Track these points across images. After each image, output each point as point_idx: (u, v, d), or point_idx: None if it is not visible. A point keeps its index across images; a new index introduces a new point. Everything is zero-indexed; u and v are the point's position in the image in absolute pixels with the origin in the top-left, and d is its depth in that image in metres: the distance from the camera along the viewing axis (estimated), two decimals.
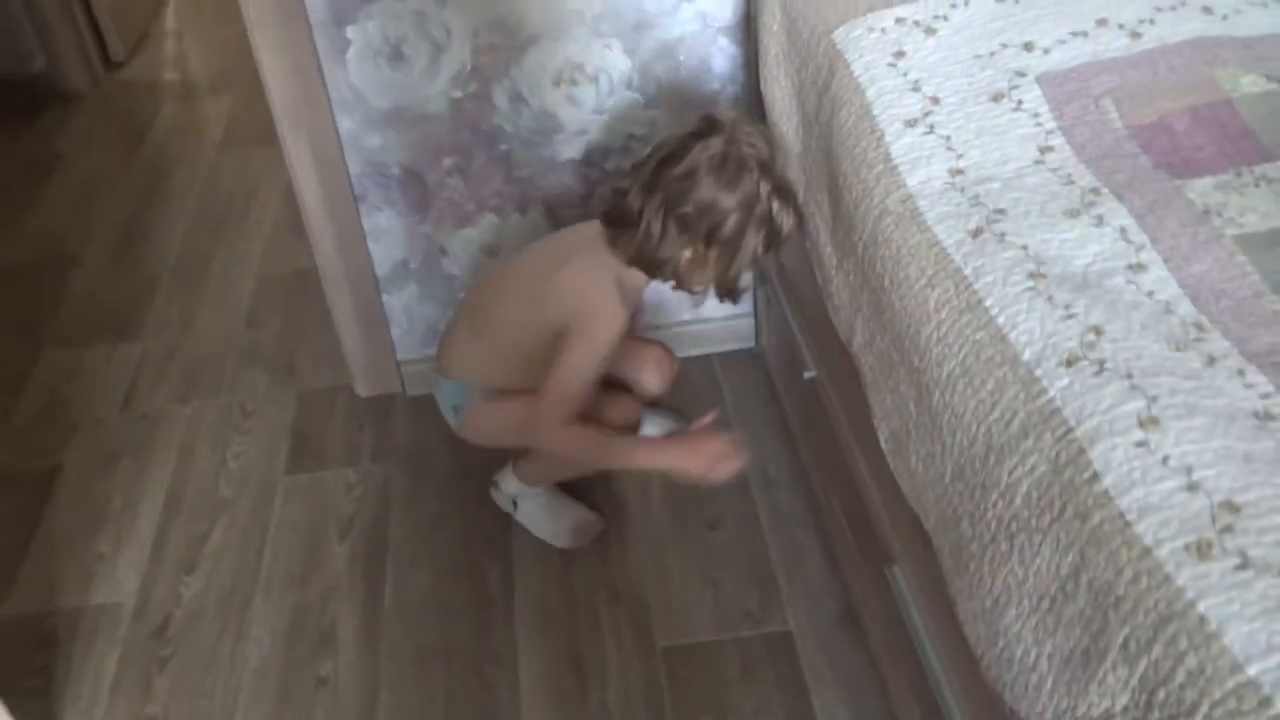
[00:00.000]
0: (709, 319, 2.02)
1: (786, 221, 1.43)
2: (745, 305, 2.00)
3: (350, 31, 1.66)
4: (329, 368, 2.08)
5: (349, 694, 1.53)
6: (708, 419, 1.49)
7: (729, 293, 1.53)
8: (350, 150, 1.78)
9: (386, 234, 1.87)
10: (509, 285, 1.60)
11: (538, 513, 1.73)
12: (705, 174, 1.39)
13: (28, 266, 2.49)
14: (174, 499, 1.85)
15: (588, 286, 1.49)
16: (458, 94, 1.73)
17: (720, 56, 1.75)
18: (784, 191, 1.43)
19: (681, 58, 1.74)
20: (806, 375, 1.59)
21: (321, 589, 1.68)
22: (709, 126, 1.43)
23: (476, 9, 1.65)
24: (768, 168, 1.42)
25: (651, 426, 1.85)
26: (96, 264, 2.48)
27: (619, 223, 1.48)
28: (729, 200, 1.39)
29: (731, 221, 1.40)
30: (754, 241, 1.43)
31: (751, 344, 2.04)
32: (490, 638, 1.58)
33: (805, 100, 1.44)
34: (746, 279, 1.53)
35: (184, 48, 3.62)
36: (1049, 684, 0.88)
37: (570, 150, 1.81)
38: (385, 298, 1.94)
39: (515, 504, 1.74)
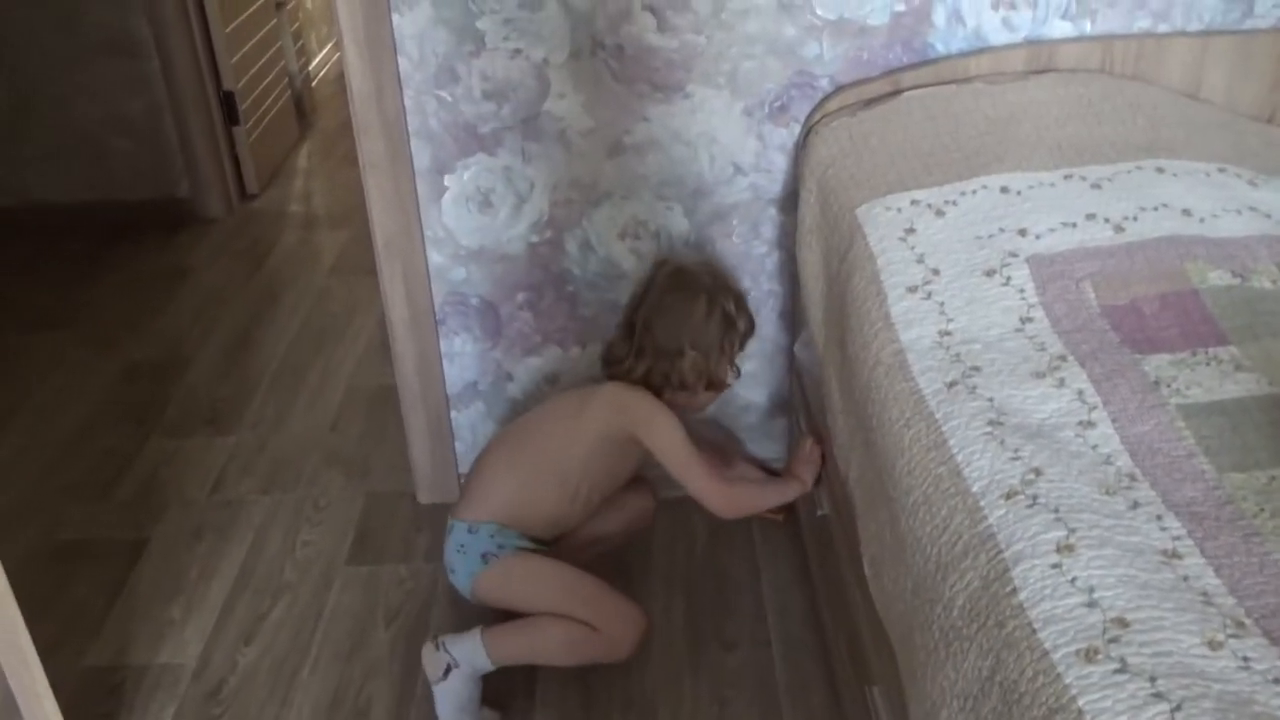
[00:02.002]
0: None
1: (743, 320, 1.78)
2: (778, 450, 2.16)
3: (448, 180, 1.92)
4: (397, 474, 2.28)
5: None
6: (809, 446, 1.78)
7: (717, 386, 1.80)
8: (436, 281, 2.01)
9: (460, 357, 2.09)
10: (542, 423, 1.79)
11: (461, 692, 1.66)
12: (669, 295, 1.74)
13: (150, 363, 2.78)
14: (244, 577, 2.04)
15: (628, 397, 1.75)
16: (534, 239, 1.97)
17: (768, 224, 1.96)
18: (734, 295, 1.78)
19: (735, 222, 1.96)
20: (819, 512, 1.73)
21: (363, 668, 1.83)
22: (662, 262, 1.82)
23: (557, 168, 1.90)
24: (714, 276, 1.79)
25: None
26: (208, 365, 2.76)
27: (616, 360, 1.78)
28: (695, 307, 1.73)
29: (704, 324, 1.73)
30: (723, 337, 1.75)
31: None
32: None
33: (830, 264, 1.63)
34: (731, 376, 1.82)
35: (310, 185, 4.01)
36: None
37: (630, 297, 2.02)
38: (454, 414, 2.15)
39: (448, 671, 1.66)
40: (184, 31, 3.41)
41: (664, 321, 1.73)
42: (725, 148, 1.89)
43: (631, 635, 1.67)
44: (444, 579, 2.01)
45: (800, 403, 1.95)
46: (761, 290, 2.02)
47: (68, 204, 3.59)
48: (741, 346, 1.81)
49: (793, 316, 2.03)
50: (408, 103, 1.85)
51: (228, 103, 3.64)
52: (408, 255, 1.98)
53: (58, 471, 2.38)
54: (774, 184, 1.92)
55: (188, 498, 2.27)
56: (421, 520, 2.17)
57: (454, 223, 1.96)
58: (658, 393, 1.75)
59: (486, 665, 1.66)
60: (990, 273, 1.41)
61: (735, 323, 1.76)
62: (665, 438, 1.71)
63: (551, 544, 1.75)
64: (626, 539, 1.94)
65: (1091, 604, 0.93)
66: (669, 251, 1.98)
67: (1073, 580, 0.96)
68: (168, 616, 1.96)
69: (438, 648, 1.67)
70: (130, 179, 3.59)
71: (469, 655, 1.65)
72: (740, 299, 1.80)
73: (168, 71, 3.45)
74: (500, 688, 1.76)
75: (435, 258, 1.99)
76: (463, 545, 1.69)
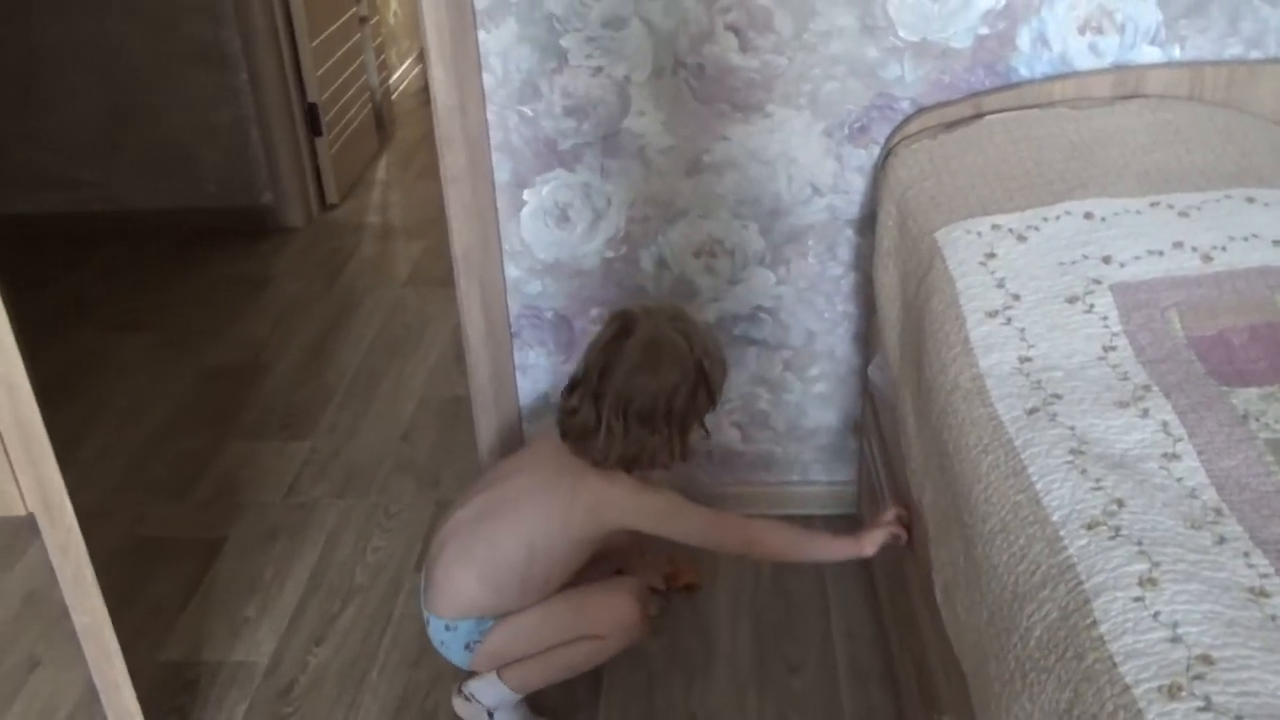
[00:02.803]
0: (814, 482, 2.16)
1: (718, 373, 1.61)
2: (849, 473, 2.15)
3: (527, 194, 1.95)
4: (467, 483, 2.29)
5: None
6: (891, 514, 1.61)
7: (684, 454, 1.63)
8: (512, 294, 2.04)
9: (534, 369, 2.11)
10: (507, 517, 1.63)
11: None
12: (642, 368, 1.55)
13: (230, 368, 2.86)
14: (316, 579, 2.08)
15: (611, 494, 1.59)
16: (610, 254, 1.99)
17: (845, 245, 1.95)
18: (706, 347, 1.60)
19: (811, 243, 1.96)
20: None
21: (430, 674, 1.85)
22: (626, 324, 1.59)
23: (635, 185, 1.92)
24: (689, 337, 1.58)
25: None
26: (286, 372, 2.82)
27: (580, 436, 1.58)
28: (671, 379, 1.56)
29: (681, 395, 1.56)
30: (701, 402, 1.60)
31: (854, 510, 2.16)
32: None
33: (907, 287, 1.62)
34: (698, 433, 1.66)
35: (389, 197, 4.08)
36: None
37: (703, 314, 2.03)
38: (525, 426, 2.17)
39: (491, 716, 1.69)
40: (272, 45, 3.51)
41: (640, 402, 1.55)
42: (804, 168, 1.89)
43: (630, 622, 1.64)
44: None
45: (872, 425, 1.94)
46: (836, 312, 2.01)
47: (156, 210, 3.70)
48: (717, 400, 1.65)
49: (866, 339, 2.02)
50: (490, 117, 1.88)
51: (311, 115, 3.73)
52: (485, 267, 2.01)
53: (140, 470, 2.45)
54: (851, 205, 1.92)
55: (263, 500, 2.32)
56: None
57: (531, 236, 1.98)
58: (629, 467, 1.60)
59: (516, 697, 1.68)
60: (1073, 299, 1.40)
61: (715, 388, 1.61)
62: (671, 523, 1.61)
63: None
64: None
65: (1175, 639, 0.91)
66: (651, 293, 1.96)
67: (1156, 615, 0.94)
68: (242, 615, 2.00)
69: (467, 699, 1.69)
70: (216, 187, 3.69)
71: (497, 696, 1.67)
72: (715, 354, 1.61)
73: (255, 83, 3.54)
74: (565, 701, 1.77)
75: (512, 271, 2.02)
76: (443, 641, 1.67)
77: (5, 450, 2.26)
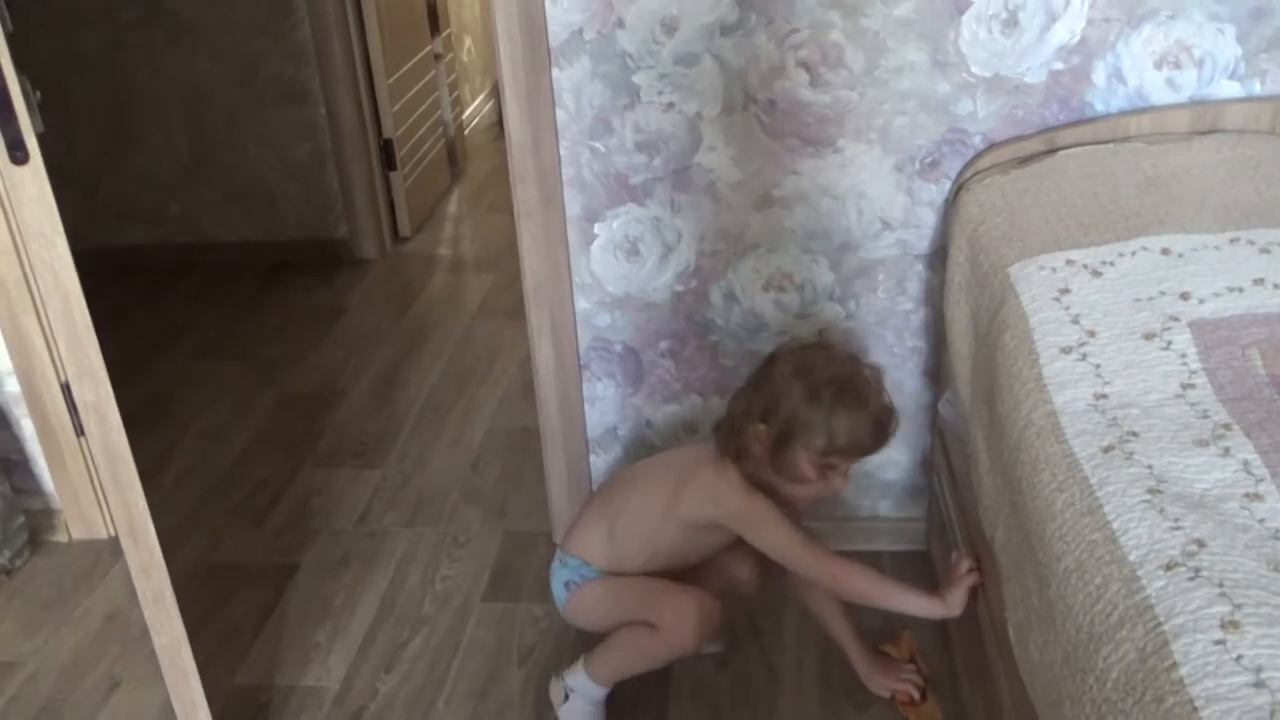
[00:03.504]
0: (884, 518, 2.15)
1: (856, 427, 1.58)
2: (919, 509, 2.13)
3: (598, 228, 1.97)
4: (535, 514, 2.32)
5: None
6: (964, 566, 1.60)
7: (780, 467, 1.62)
8: (582, 326, 2.06)
9: (602, 401, 2.13)
10: (643, 485, 1.76)
11: (581, 714, 1.77)
12: (789, 383, 1.59)
13: (306, 396, 2.92)
14: (386, 607, 2.11)
15: (722, 488, 1.65)
16: (680, 288, 2.00)
17: (915, 280, 1.95)
18: (868, 399, 1.59)
19: (880, 278, 1.95)
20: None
21: (496, 705, 1.86)
22: (789, 348, 1.69)
23: (705, 219, 1.93)
24: (838, 378, 1.59)
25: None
26: (359, 400, 2.88)
27: (728, 437, 1.66)
28: (800, 401, 1.57)
29: (801, 409, 1.57)
30: (818, 433, 1.57)
31: (923, 546, 2.14)
32: None
33: (979, 322, 1.61)
34: (819, 476, 1.62)
35: (460, 230, 4.15)
36: None
37: (772, 347, 2.03)
38: (592, 458, 2.18)
39: (566, 696, 1.78)
40: (350, 81, 3.60)
41: (775, 400, 1.60)
42: (874, 202, 1.89)
43: (688, 622, 1.65)
44: None
45: (942, 461, 1.92)
46: (905, 347, 2.00)
47: (238, 242, 3.81)
48: (848, 455, 1.62)
49: (936, 374, 2.00)
50: (563, 153, 1.91)
51: (386, 150, 3.82)
52: (556, 300, 2.04)
53: (217, 496, 2.51)
54: (922, 240, 1.91)
55: (336, 527, 2.36)
56: None
57: (602, 270, 2.01)
58: (734, 454, 1.66)
59: (595, 687, 1.75)
60: (1150, 336, 1.38)
61: (841, 436, 1.58)
62: (758, 531, 1.65)
63: None
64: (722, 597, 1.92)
65: (1259, 684, 0.89)
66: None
67: (1238, 658, 0.92)
68: (314, 641, 2.04)
69: (558, 679, 1.80)
70: (294, 220, 3.80)
71: (580, 682, 1.76)
72: (854, 402, 1.59)
73: (333, 119, 3.64)
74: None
75: (582, 303, 2.04)
76: (554, 571, 1.80)
77: (94, 476, 2.34)
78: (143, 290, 3.64)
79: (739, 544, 1.73)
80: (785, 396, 1.59)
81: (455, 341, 3.19)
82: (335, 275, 3.70)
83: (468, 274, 3.71)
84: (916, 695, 1.78)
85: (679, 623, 1.66)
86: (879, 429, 1.61)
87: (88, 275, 1.46)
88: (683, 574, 1.75)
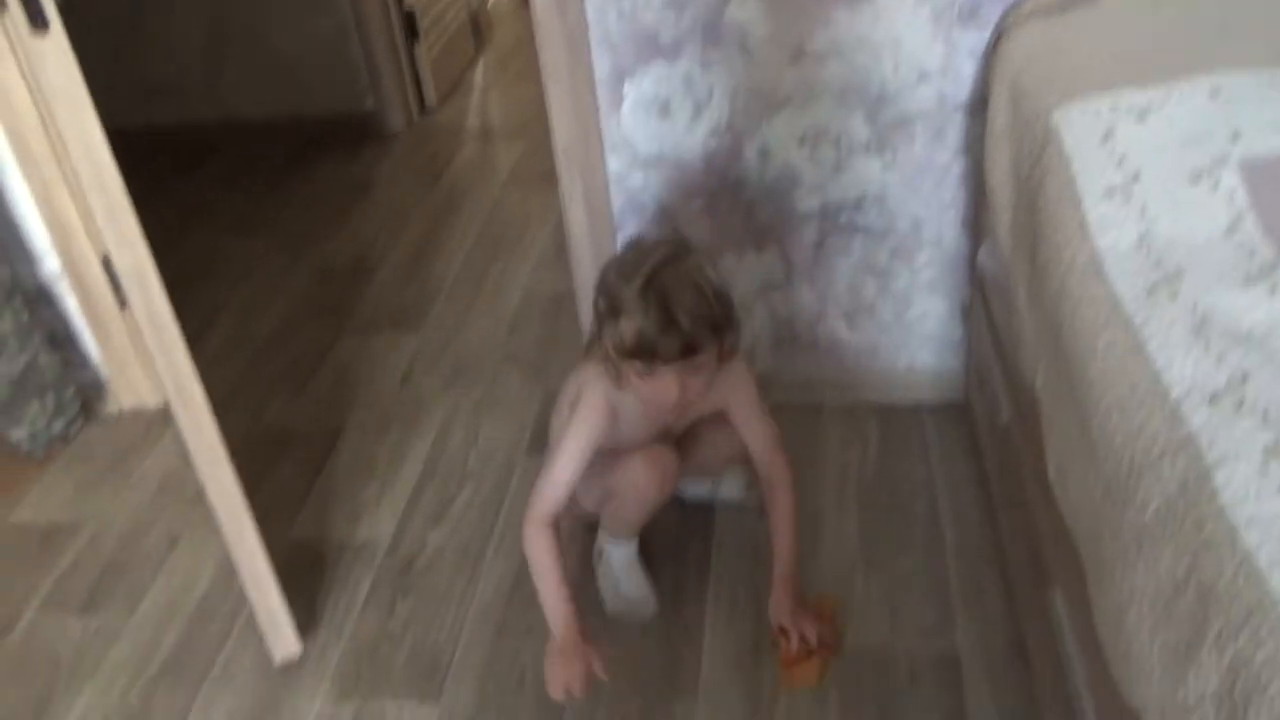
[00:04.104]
0: (921, 370, 2.16)
1: (628, 328, 1.46)
2: (958, 361, 2.14)
3: (627, 88, 1.94)
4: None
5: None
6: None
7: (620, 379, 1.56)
8: (614, 187, 2.05)
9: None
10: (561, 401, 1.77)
11: (611, 572, 1.82)
12: (599, 284, 1.54)
13: (340, 269, 2.95)
14: (430, 465, 2.16)
15: (585, 386, 1.65)
16: (713, 145, 1.98)
17: (954, 131, 1.91)
18: (629, 296, 1.46)
19: (918, 129, 1.92)
20: (1001, 421, 1.71)
21: None
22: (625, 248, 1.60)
23: (736, 75, 1.90)
24: (628, 274, 1.47)
25: (731, 487, 1.99)
26: (393, 271, 2.90)
27: (590, 343, 1.67)
28: (598, 304, 1.52)
29: (602, 323, 1.52)
30: (613, 340, 1.50)
31: (961, 397, 2.16)
32: (681, 615, 1.77)
33: (1020, 170, 1.58)
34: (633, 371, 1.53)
35: (487, 100, 4.10)
36: (1157, 674, 0.99)
37: (808, 203, 2.01)
38: None
39: (600, 554, 1.84)
40: None
41: (599, 306, 1.54)
42: (910, 53, 1.85)
43: (638, 478, 1.67)
44: None
45: (982, 312, 1.92)
46: (944, 198, 1.98)
47: (264, 118, 3.78)
48: (645, 358, 1.48)
49: (975, 224, 1.99)
50: (589, 12, 1.87)
51: (409, 21, 3.75)
52: (586, 162, 2.02)
53: (259, 366, 2.56)
54: (961, 90, 1.87)
55: (377, 391, 2.41)
56: None
57: (633, 130, 1.98)
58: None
59: (615, 542, 1.80)
60: (1197, 177, 1.36)
61: (621, 325, 1.47)
62: (557, 448, 1.65)
63: None
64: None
65: None
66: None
67: None
68: (363, 498, 2.10)
69: (596, 543, 1.85)
70: (320, 95, 3.76)
71: (603, 540, 1.83)
72: (662, 306, 1.45)
73: None
74: (674, 579, 1.83)
75: (613, 164, 2.02)
76: None
77: (140, 349, 2.38)
78: (169, 171, 3.63)
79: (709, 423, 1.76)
80: (596, 300, 1.54)
81: (486, 210, 3.18)
82: (362, 149, 3.68)
83: (496, 143, 3.68)
84: (795, 646, 1.65)
85: (630, 480, 1.68)
86: (665, 330, 1.45)
87: (113, 156, 1.45)
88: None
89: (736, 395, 1.72)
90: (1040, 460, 1.38)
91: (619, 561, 1.82)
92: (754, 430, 1.73)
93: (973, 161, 1.93)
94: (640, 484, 1.69)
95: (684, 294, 1.46)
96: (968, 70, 1.85)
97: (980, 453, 2.00)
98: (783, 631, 1.66)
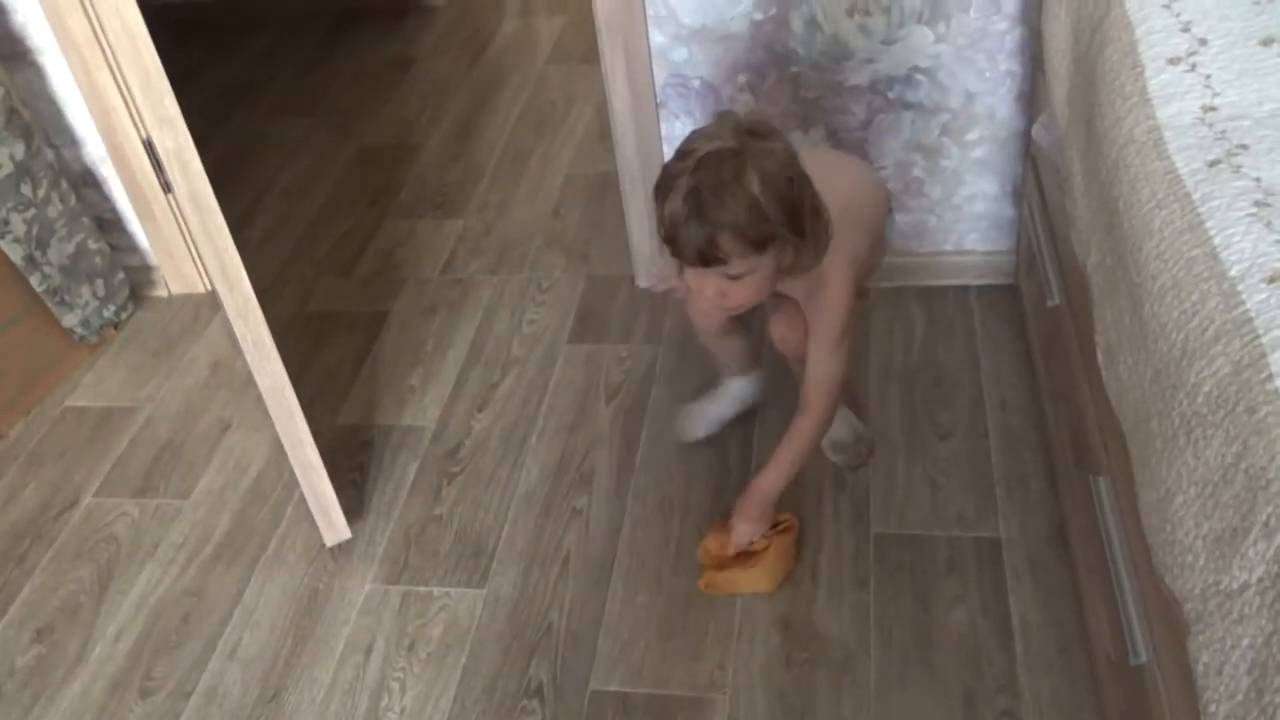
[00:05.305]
0: (970, 251, 2.11)
1: (663, 214, 1.36)
2: (1008, 242, 2.08)
3: None
4: (617, 258, 2.33)
5: (597, 525, 1.78)
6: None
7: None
8: (658, 62, 1.99)
9: (680, 140, 2.07)
10: None
11: (715, 393, 1.91)
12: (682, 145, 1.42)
13: (382, 148, 2.91)
14: (475, 350, 2.17)
15: None
16: (759, 16, 1.90)
17: None
18: (676, 182, 1.35)
19: None
20: (1050, 304, 1.67)
21: (586, 439, 1.94)
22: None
23: None
24: (686, 159, 1.36)
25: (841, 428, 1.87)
26: (435, 151, 2.86)
27: None
28: (669, 165, 1.41)
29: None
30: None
31: (1011, 280, 2.11)
32: (722, 501, 1.78)
33: (1080, 37, 1.50)
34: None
35: None
36: (1200, 562, 0.97)
37: (857, 77, 1.94)
38: None
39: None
40: None
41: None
42: None
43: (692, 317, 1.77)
44: (662, 359, 2.08)
45: (1034, 191, 1.85)
46: (998, 70, 1.90)
47: None
48: (674, 251, 1.39)
49: (1030, 99, 1.90)
50: None
51: None
52: (629, 35, 1.96)
53: (304, 250, 2.56)
54: None
55: (421, 276, 2.40)
56: (639, 303, 2.23)
57: (677, 1, 1.91)
58: None
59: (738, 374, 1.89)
60: (1268, 42, 1.28)
61: (661, 209, 1.37)
62: None
63: None
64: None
65: None
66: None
67: None
68: (408, 384, 2.12)
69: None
70: None
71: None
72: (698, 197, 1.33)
73: None
74: (717, 447, 1.86)
75: (657, 37, 1.96)
76: None
77: (186, 233, 2.39)
78: (210, 49, 3.59)
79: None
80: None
81: (529, 88, 3.12)
82: (403, 24, 3.60)
83: (538, 17, 3.58)
84: (731, 551, 1.63)
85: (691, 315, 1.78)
86: (686, 232, 1.33)
87: (152, 37, 1.42)
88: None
89: (820, 314, 1.54)
90: (1089, 344, 1.34)
91: (726, 389, 1.89)
92: (816, 357, 1.56)
93: (1029, 30, 1.83)
94: (694, 321, 1.80)
95: (724, 198, 1.32)
96: None
97: (1027, 337, 1.96)
98: (724, 528, 1.64)
